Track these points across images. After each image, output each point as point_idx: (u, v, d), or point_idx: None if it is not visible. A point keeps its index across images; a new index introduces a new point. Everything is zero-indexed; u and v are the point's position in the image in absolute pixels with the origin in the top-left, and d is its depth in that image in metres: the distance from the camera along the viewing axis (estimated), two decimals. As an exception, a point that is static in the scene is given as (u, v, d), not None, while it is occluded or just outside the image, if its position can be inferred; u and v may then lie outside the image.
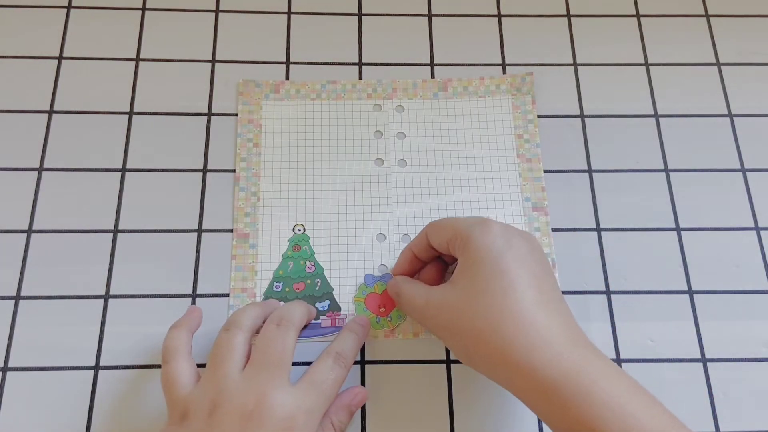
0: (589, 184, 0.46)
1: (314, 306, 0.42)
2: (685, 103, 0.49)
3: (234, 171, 0.45)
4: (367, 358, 0.41)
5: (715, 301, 0.43)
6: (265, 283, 0.42)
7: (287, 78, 0.48)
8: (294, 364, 0.40)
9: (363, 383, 0.40)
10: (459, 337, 0.35)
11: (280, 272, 0.43)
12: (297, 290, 0.42)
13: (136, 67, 0.48)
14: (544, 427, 0.39)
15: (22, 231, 0.43)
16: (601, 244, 0.44)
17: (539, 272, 0.34)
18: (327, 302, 0.42)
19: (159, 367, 0.40)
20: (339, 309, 0.42)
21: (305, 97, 0.48)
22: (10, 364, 0.40)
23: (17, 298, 0.41)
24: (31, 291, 0.42)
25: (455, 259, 0.39)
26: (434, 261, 0.41)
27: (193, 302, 0.42)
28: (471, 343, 0.34)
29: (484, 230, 0.35)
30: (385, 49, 0.50)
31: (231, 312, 0.41)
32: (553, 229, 0.45)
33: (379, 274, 0.43)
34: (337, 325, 0.41)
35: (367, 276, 0.43)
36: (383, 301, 0.42)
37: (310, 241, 0.44)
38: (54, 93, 0.47)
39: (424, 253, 0.40)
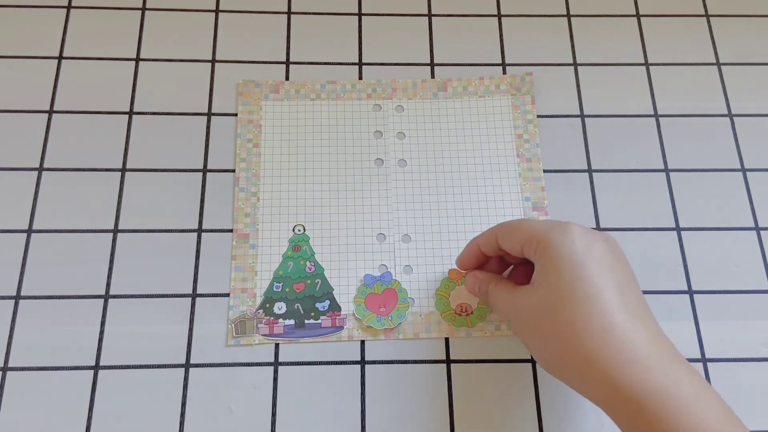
0: (589, 184, 0.46)
1: (314, 306, 0.42)
2: (685, 103, 0.49)
3: (234, 171, 0.45)
4: (367, 358, 0.41)
5: (715, 301, 0.43)
6: (265, 284, 0.42)
7: (287, 78, 0.48)
8: (294, 364, 0.40)
9: (363, 383, 0.40)
10: (541, 343, 0.34)
11: (280, 272, 0.43)
12: (297, 290, 0.42)
13: (136, 67, 0.48)
14: (544, 427, 0.39)
15: (22, 231, 0.43)
16: (601, 244, 0.44)
17: (623, 279, 0.33)
18: (327, 302, 0.42)
19: (158, 367, 0.40)
20: (339, 309, 0.42)
21: (305, 98, 0.48)
22: (10, 364, 0.40)
23: (17, 298, 0.41)
24: (31, 291, 0.42)
25: (519, 260, 0.39)
26: (498, 259, 0.40)
27: (193, 302, 0.42)
28: (553, 351, 0.33)
29: (564, 234, 0.33)
30: (385, 49, 0.50)
31: (231, 312, 0.41)
32: (553, 229, 0.45)
33: (379, 274, 0.43)
34: (337, 325, 0.41)
35: (366, 276, 0.43)
36: (383, 301, 0.42)
37: (310, 241, 0.44)
38: (54, 93, 0.47)
39: (492, 251, 0.39)
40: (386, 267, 0.43)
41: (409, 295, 0.42)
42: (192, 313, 0.41)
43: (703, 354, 0.42)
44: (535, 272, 0.35)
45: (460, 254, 0.41)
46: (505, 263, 0.41)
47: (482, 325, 0.42)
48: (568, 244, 0.33)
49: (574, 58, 0.50)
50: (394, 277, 0.43)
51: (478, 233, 0.44)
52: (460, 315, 0.42)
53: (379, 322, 0.41)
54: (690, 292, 0.43)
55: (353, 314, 0.42)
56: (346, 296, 0.42)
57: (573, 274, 0.32)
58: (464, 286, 0.42)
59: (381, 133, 0.47)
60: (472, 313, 0.42)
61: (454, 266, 0.43)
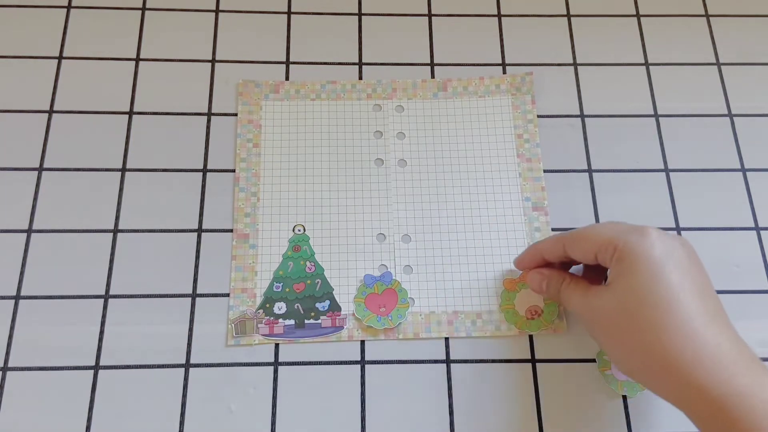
0: (589, 184, 0.46)
1: (314, 306, 0.42)
2: (685, 103, 0.49)
3: (234, 171, 0.45)
4: (367, 358, 0.41)
5: (715, 301, 0.43)
6: (265, 284, 0.42)
7: (287, 78, 0.48)
8: (294, 364, 0.40)
9: (363, 383, 0.40)
10: (619, 347, 0.34)
11: (280, 272, 0.43)
12: (297, 290, 0.42)
13: (136, 67, 0.48)
14: (544, 428, 0.39)
15: (22, 231, 0.43)
16: (601, 244, 0.44)
17: (701, 282, 0.33)
18: (327, 302, 0.42)
19: (158, 367, 0.40)
20: (339, 309, 0.42)
21: (305, 97, 0.48)
22: (10, 364, 0.40)
23: (17, 298, 0.41)
24: (31, 291, 0.42)
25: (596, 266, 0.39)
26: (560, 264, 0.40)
27: (193, 302, 0.42)
28: (632, 355, 0.33)
29: (643, 237, 0.33)
30: (385, 49, 0.50)
31: (231, 312, 0.41)
32: (553, 229, 0.45)
33: (379, 274, 0.43)
34: (337, 325, 0.41)
35: (366, 276, 0.43)
36: (383, 301, 0.42)
37: (310, 241, 0.44)
38: (54, 93, 0.47)
39: (556, 258, 0.39)
40: (386, 267, 0.43)
41: (409, 295, 0.42)
42: (192, 313, 0.41)
43: (703, 354, 0.42)
44: (610, 275, 0.35)
45: (519, 256, 0.42)
46: (566, 267, 0.41)
47: (482, 325, 0.42)
48: (647, 248, 0.33)
49: (574, 58, 0.50)
50: (394, 277, 0.43)
51: (479, 233, 0.44)
52: (531, 319, 0.42)
53: (379, 322, 0.41)
54: (690, 292, 0.43)
55: (353, 314, 0.42)
56: (346, 296, 0.42)
57: (653, 277, 0.32)
58: (523, 292, 0.42)
59: (381, 133, 0.47)
60: (542, 313, 0.42)
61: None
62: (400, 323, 0.41)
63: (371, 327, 0.41)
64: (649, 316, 0.32)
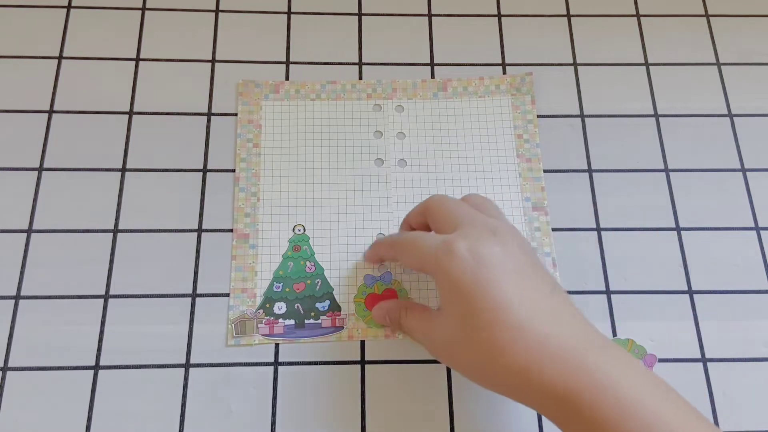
0: (589, 184, 0.46)
1: (314, 306, 0.42)
2: (685, 103, 0.49)
3: (234, 171, 0.45)
4: (367, 358, 0.41)
5: (715, 301, 0.43)
6: (265, 284, 0.42)
7: (287, 78, 0.48)
8: (294, 364, 0.40)
9: (363, 383, 0.40)
10: (465, 368, 0.34)
11: (280, 272, 0.43)
12: (297, 290, 0.42)
13: (136, 67, 0.48)
14: (544, 427, 0.39)
15: (22, 231, 0.43)
16: (601, 244, 0.44)
17: (522, 280, 0.32)
18: (327, 302, 0.42)
19: (158, 367, 0.40)
20: (339, 309, 0.42)
21: (305, 98, 0.48)
22: (10, 364, 0.40)
23: (17, 298, 0.41)
24: (31, 291, 0.42)
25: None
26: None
27: (193, 302, 0.42)
28: (477, 375, 0.33)
29: (450, 257, 0.32)
30: (385, 49, 0.50)
31: (231, 312, 0.41)
32: (553, 229, 0.45)
33: (379, 274, 0.43)
34: (337, 325, 0.41)
35: (366, 276, 0.43)
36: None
37: (310, 241, 0.44)
38: (54, 93, 0.47)
39: (391, 259, 0.41)
40: (386, 267, 0.43)
41: (409, 295, 0.42)
42: (192, 313, 0.41)
43: (703, 354, 0.42)
44: (440, 296, 0.35)
45: (368, 251, 0.42)
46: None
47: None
48: (457, 273, 0.32)
49: (574, 58, 0.50)
50: (394, 277, 0.43)
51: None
52: None
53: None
54: (690, 292, 0.43)
55: (353, 314, 0.42)
56: (346, 296, 0.42)
57: (471, 297, 0.32)
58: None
59: (381, 133, 0.47)
60: None
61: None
62: (400, 323, 0.41)
63: (371, 327, 0.41)
64: (479, 339, 0.32)
